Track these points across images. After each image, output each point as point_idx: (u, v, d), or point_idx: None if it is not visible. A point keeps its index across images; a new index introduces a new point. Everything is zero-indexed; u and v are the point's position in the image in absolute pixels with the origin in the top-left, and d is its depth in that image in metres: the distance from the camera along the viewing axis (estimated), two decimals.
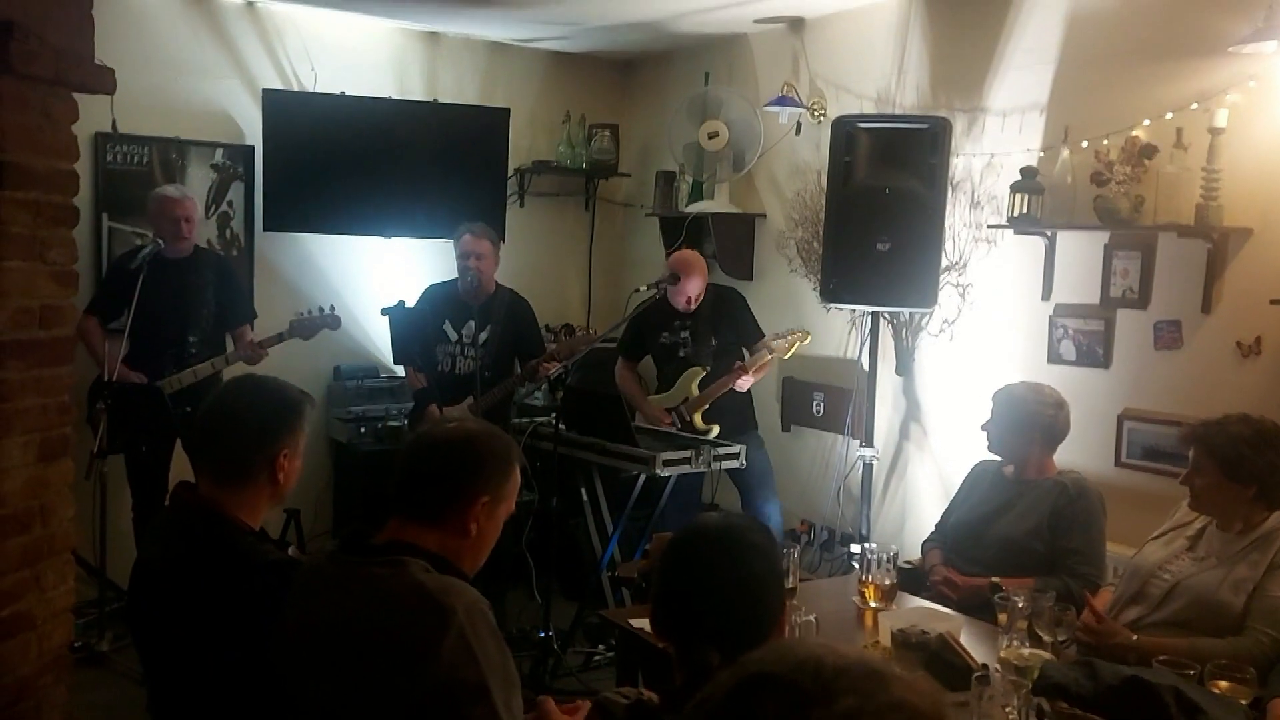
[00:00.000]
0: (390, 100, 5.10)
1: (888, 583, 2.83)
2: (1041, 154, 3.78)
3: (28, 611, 2.93)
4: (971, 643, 2.42)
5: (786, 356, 4.27)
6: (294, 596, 1.73)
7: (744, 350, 4.35)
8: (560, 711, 1.82)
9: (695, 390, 4.27)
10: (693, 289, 4.26)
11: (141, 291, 3.95)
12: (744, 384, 4.25)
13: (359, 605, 1.63)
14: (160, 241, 4.13)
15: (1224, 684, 2.10)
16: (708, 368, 4.29)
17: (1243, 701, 2.07)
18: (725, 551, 1.59)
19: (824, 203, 4.16)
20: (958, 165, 4.04)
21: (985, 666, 2.24)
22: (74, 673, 3.24)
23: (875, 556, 2.87)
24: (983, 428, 3.21)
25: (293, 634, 1.71)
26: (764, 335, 4.33)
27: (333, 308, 4.44)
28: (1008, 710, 2.00)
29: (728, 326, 4.35)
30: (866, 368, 4.16)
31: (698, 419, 4.25)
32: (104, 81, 3.03)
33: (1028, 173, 3.70)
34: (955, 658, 2.26)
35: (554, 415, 4.00)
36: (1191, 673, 2.08)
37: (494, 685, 1.56)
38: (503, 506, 1.78)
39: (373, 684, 1.57)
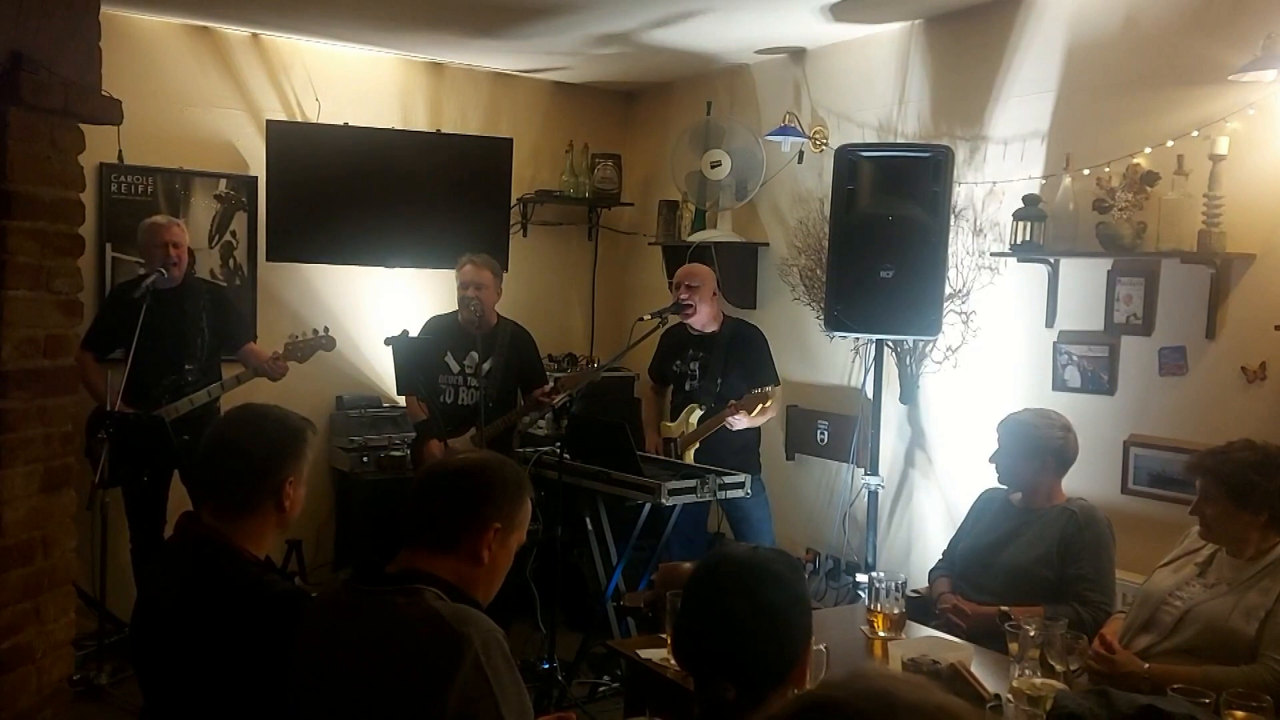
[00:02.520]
0: (394, 131, 5.14)
1: (896, 612, 2.81)
2: (1043, 181, 3.80)
3: (28, 644, 2.91)
4: (982, 672, 2.40)
5: (754, 413, 4.04)
6: (308, 626, 1.72)
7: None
8: None
9: (692, 427, 4.24)
10: (699, 301, 4.21)
11: (135, 323, 3.93)
12: (737, 423, 4.07)
13: (374, 634, 1.62)
14: (162, 271, 4.12)
15: (1240, 714, 2.08)
16: (706, 406, 4.22)
17: None
18: (746, 583, 1.56)
19: (827, 231, 4.17)
20: (960, 193, 4.06)
21: (998, 696, 2.21)
22: (73, 706, 3.21)
23: (883, 585, 2.85)
24: (991, 460, 3.19)
25: (306, 663, 1.70)
26: (777, 381, 4.27)
27: (327, 329, 4.42)
28: None
29: (739, 366, 4.21)
30: (870, 396, 4.15)
31: (688, 456, 4.19)
32: (111, 113, 3.05)
33: (1030, 200, 3.72)
34: (967, 688, 2.23)
35: (558, 444, 3.99)
36: (1207, 701, 2.05)
37: (509, 717, 1.55)
38: (514, 535, 1.78)
39: (389, 714, 1.56)
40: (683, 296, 4.24)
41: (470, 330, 4.33)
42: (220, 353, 4.41)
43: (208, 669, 1.80)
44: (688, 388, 4.34)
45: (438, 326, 4.47)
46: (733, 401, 4.09)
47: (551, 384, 4.30)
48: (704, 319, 4.28)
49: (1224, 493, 2.52)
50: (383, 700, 1.57)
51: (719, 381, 4.23)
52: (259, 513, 1.92)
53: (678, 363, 4.39)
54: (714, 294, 4.32)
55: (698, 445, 4.20)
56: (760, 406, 4.03)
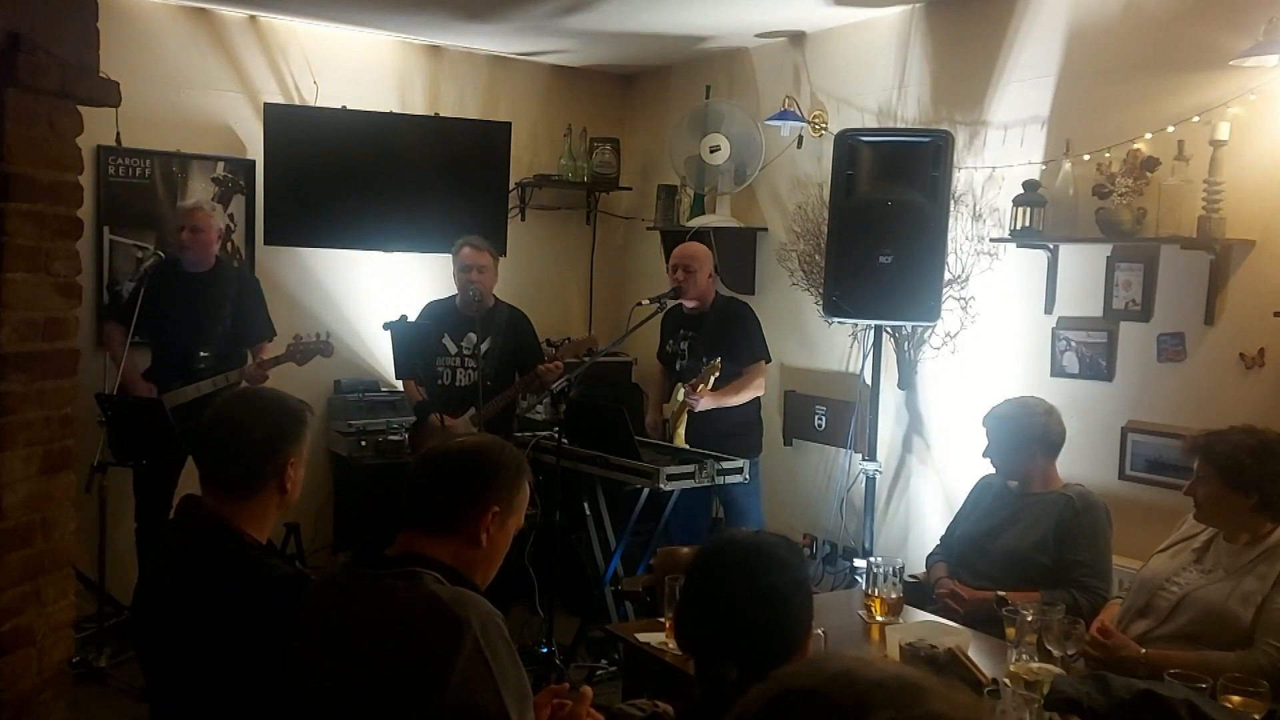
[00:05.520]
0: (392, 114, 5.11)
1: (894, 596, 2.82)
2: (1043, 167, 3.79)
3: (28, 626, 2.92)
4: (979, 657, 2.41)
5: (709, 383, 4.03)
6: (307, 610, 1.72)
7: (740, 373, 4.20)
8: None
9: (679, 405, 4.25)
10: (694, 283, 4.21)
11: (155, 303, 3.95)
12: (699, 405, 4.04)
13: (374, 617, 1.62)
14: (160, 254, 4.13)
15: (1236, 698, 2.09)
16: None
17: (1256, 716, 2.06)
18: (747, 565, 1.57)
19: (826, 216, 4.16)
20: (959, 178, 4.05)
21: (995, 681, 2.22)
22: (73, 689, 3.22)
23: (881, 570, 2.86)
24: (984, 454, 3.20)
25: (306, 648, 1.70)
26: (767, 358, 4.27)
27: (328, 334, 4.43)
28: None
29: (725, 345, 4.20)
30: (869, 381, 4.15)
31: (678, 436, 4.20)
32: (109, 94, 3.04)
33: (1030, 186, 3.71)
34: (965, 672, 2.24)
35: (556, 429, 3.99)
36: (1204, 686, 2.07)
37: (509, 700, 1.56)
38: (513, 518, 1.79)
39: (388, 697, 1.57)
40: (678, 277, 4.24)
41: (468, 312, 4.33)
42: (241, 342, 4.40)
43: (209, 652, 1.81)
44: (678, 367, 4.35)
45: (435, 311, 4.48)
46: (691, 381, 4.08)
47: (556, 350, 4.29)
48: (697, 299, 4.28)
49: (1215, 473, 2.53)
50: (382, 684, 1.58)
51: (704, 360, 4.21)
52: (261, 494, 1.92)
53: (670, 343, 4.41)
54: (710, 275, 4.32)
55: (684, 424, 4.20)
56: (713, 378, 4.00)
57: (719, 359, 4.05)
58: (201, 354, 4.24)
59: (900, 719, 0.75)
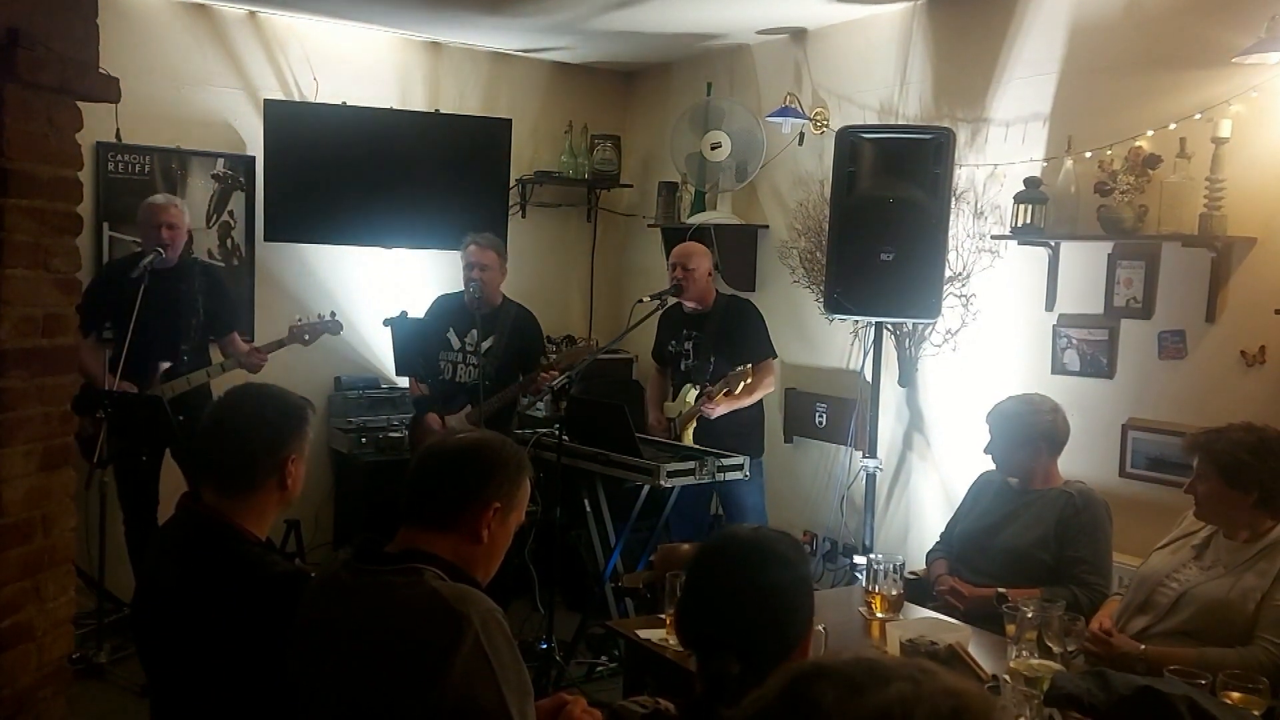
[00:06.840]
0: (392, 110, 5.11)
1: (895, 593, 2.82)
2: (1045, 164, 3.79)
3: (28, 623, 2.92)
4: (980, 653, 2.41)
5: (737, 391, 4.04)
6: (308, 606, 1.72)
7: None
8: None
9: (689, 406, 4.23)
10: (692, 281, 4.20)
11: (133, 303, 3.90)
12: (714, 412, 4.05)
13: (375, 613, 1.62)
14: (160, 250, 4.10)
15: (1236, 695, 2.09)
16: (701, 385, 4.21)
17: (1256, 713, 2.06)
18: (749, 561, 1.57)
19: (827, 213, 4.16)
20: (961, 176, 4.04)
21: (995, 677, 2.22)
22: (73, 685, 3.22)
23: (881, 567, 2.86)
24: (986, 451, 3.19)
25: (306, 644, 1.70)
26: (773, 355, 4.27)
27: (334, 313, 4.43)
28: None
29: (733, 344, 4.19)
30: (869, 379, 4.15)
31: (686, 436, 4.19)
32: (109, 90, 3.03)
33: (1031, 183, 3.71)
34: (965, 669, 2.24)
35: (557, 426, 3.99)
36: (1203, 683, 2.07)
37: (509, 696, 1.56)
38: (514, 514, 1.79)
39: (389, 693, 1.56)
40: (677, 276, 4.23)
41: (473, 309, 4.33)
42: (211, 334, 4.40)
43: (209, 649, 1.81)
44: (683, 367, 4.34)
45: (443, 304, 4.49)
46: (708, 389, 4.08)
47: (557, 348, 4.28)
48: (697, 298, 4.27)
49: (1215, 471, 2.53)
50: (383, 680, 1.58)
51: (711, 360, 4.22)
52: (261, 491, 1.92)
53: (673, 343, 4.39)
54: (709, 273, 4.31)
55: (694, 425, 4.20)
56: (742, 385, 3.99)
57: (749, 364, 4.03)
58: (183, 348, 4.23)
59: (916, 691, 0.80)
